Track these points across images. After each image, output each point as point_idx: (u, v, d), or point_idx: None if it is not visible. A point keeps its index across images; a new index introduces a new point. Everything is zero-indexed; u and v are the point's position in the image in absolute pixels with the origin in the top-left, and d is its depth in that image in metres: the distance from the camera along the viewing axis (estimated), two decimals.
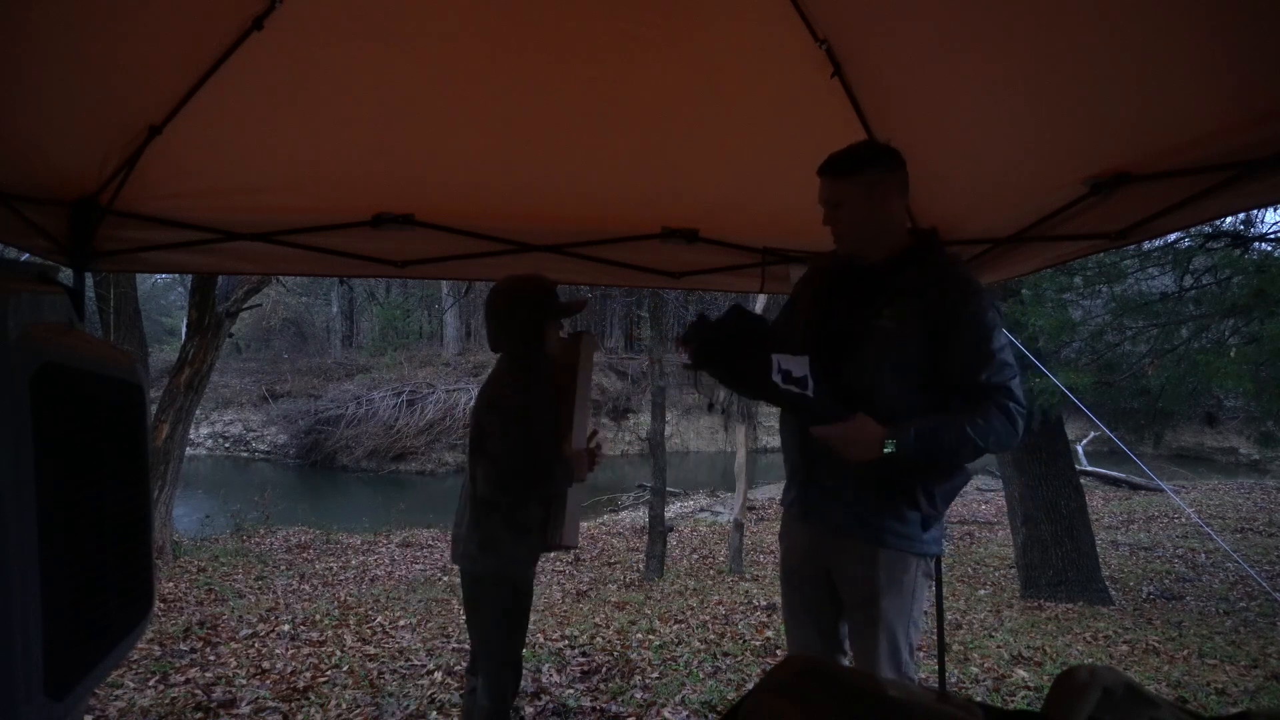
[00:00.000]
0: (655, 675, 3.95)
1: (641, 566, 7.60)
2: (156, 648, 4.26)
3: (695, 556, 8.53)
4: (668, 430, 11.13)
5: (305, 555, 8.31)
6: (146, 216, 2.60)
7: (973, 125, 2.27)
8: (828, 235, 2.48)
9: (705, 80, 2.31)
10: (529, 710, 3.44)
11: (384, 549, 8.82)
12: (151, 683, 3.70)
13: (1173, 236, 6.20)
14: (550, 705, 3.49)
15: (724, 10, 2.10)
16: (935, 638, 2.77)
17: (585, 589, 6.89)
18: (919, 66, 2.16)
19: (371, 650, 4.39)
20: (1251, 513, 10.08)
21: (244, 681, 3.77)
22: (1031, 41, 1.86)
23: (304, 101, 2.34)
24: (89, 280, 4.22)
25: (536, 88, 2.33)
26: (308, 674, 3.91)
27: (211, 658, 4.18)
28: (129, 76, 2.09)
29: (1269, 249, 6.64)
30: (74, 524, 1.13)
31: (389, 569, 7.83)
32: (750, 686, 1.67)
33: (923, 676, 2.97)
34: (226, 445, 19.31)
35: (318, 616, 5.12)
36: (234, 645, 4.44)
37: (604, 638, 4.69)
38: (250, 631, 4.73)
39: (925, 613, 2.04)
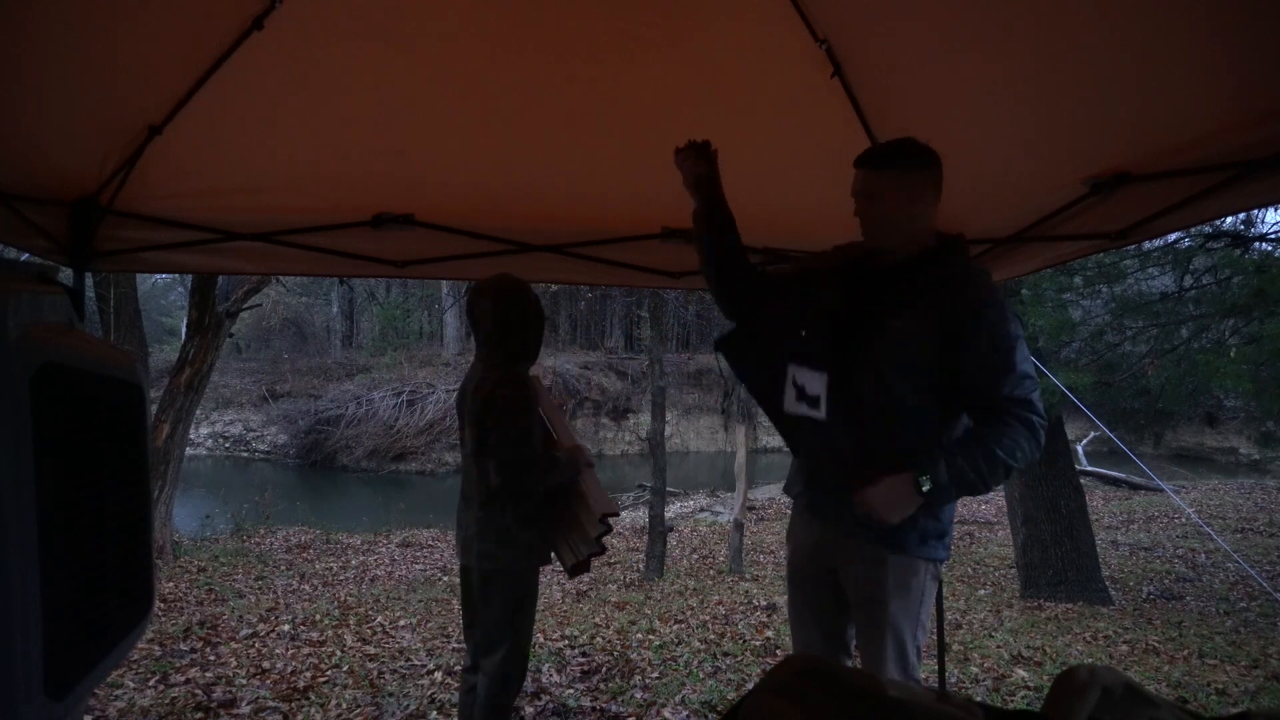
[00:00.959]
0: (655, 675, 3.95)
1: (641, 566, 7.60)
2: (156, 648, 4.26)
3: (695, 556, 8.53)
4: (668, 430, 11.13)
5: (305, 555, 8.31)
6: (146, 216, 2.60)
7: (973, 125, 2.27)
8: (828, 235, 2.47)
9: (705, 80, 2.31)
10: (529, 710, 3.44)
11: (384, 549, 8.82)
12: (151, 683, 3.70)
13: (1173, 236, 6.20)
14: (550, 705, 3.49)
15: (724, 10, 2.10)
16: (935, 638, 2.77)
17: (585, 589, 6.88)
18: (919, 66, 2.16)
19: (371, 650, 4.39)
20: (1252, 513, 10.07)
21: (244, 681, 3.77)
22: (1031, 41, 1.86)
23: (304, 101, 2.34)
24: (89, 280, 4.22)
25: (536, 88, 2.33)
26: (308, 674, 3.91)
27: (211, 658, 4.18)
28: (129, 76, 2.09)
29: (1269, 249, 6.65)
30: (74, 524, 1.13)
31: (389, 569, 7.84)
32: (750, 686, 1.67)
33: (923, 676, 2.96)
34: (226, 445, 19.31)
35: (318, 616, 5.12)
36: (234, 645, 4.44)
37: (604, 638, 4.69)
38: (250, 631, 4.73)
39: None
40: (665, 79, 2.31)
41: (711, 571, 7.56)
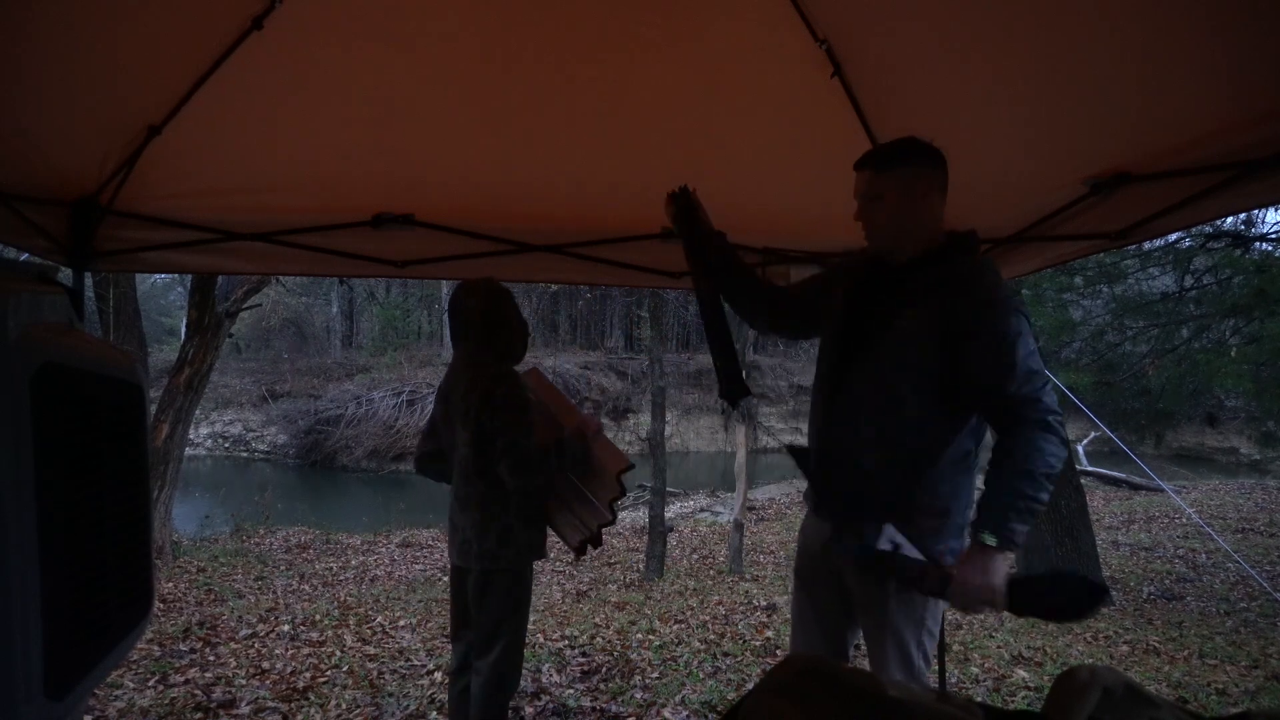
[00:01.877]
0: (655, 675, 3.95)
1: (641, 566, 7.60)
2: (156, 648, 4.26)
3: (695, 556, 8.52)
4: (668, 430, 11.13)
5: (305, 555, 8.31)
6: (146, 216, 2.60)
7: (973, 125, 2.26)
8: (828, 235, 2.48)
9: (705, 80, 2.31)
10: (529, 710, 3.44)
11: (384, 549, 8.82)
12: (151, 683, 3.70)
13: (1173, 236, 6.20)
14: (550, 705, 3.49)
15: (724, 10, 2.10)
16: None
17: (585, 589, 6.88)
18: (919, 66, 2.16)
19: (371, 650, 4.39)
20: (1252, 513, 10.07)
21: (244, 682, 3.77)
22: (1032, 41, 1.86)
23: (304, 101, 2.34)
24: (89, 280, 4.22)
25: (536, 88, 2.33)
26: (307, 674, 3.91)
27: (211, 658, 4.18)
28: (129, 76, 2.09)
29: (1269, 249, 6.65)
30: (74, 524, 1.13)
31: (389, 569, 7.83)
32: (750, 686, 1.67)
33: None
34: (226, 445, 19.31)
35: (318, 616, 5.12)
36: (234, 645, 4.44)
37: (604, 638, 4.69)
38: (250, 632, 4.72)
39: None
40: (665, 79, 2.31)
41: (711, 572, 7.55)
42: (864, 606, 1.90)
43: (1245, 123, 1.74)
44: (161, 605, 5.60)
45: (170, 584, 6.31)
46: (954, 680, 3.92)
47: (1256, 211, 6.41)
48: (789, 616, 2.11)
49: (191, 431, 9.58)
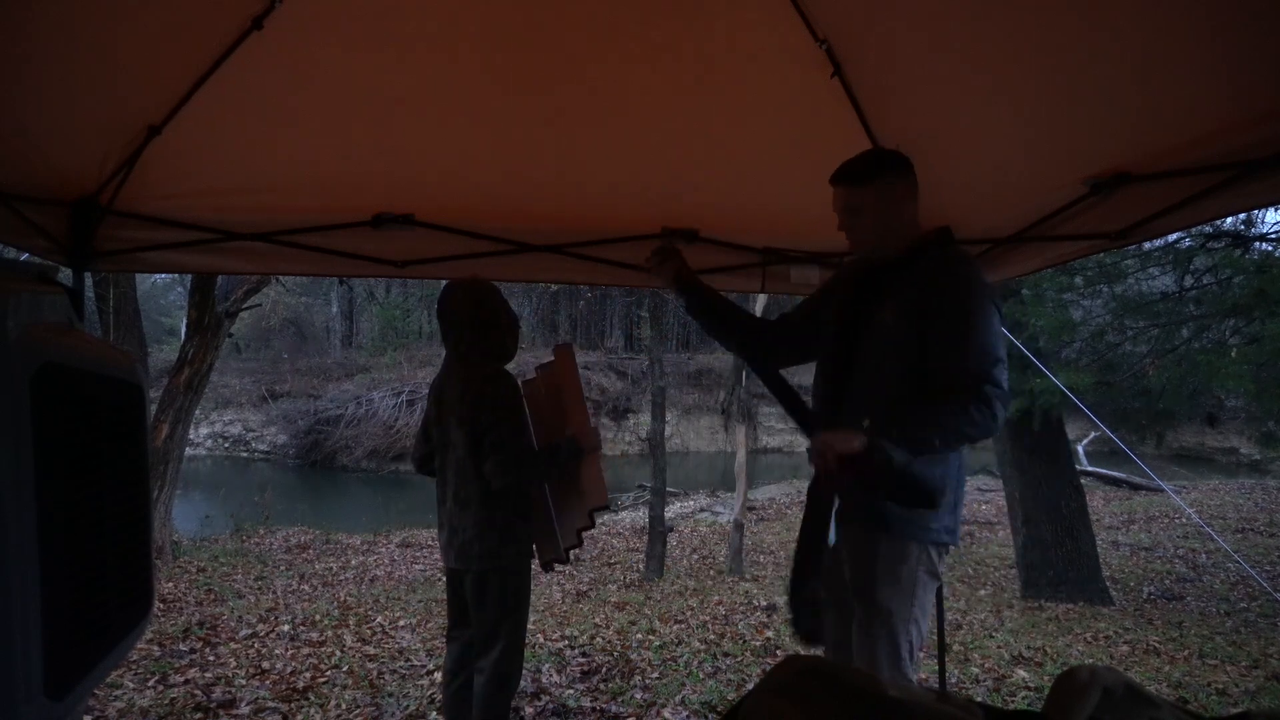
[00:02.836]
0: (655, 675, 3.95)
1: (641, 567, 7.60)
2: (156, 648, 4.26)
3: (695, 557, 8.52)
4: (668, 430, 11.13)
5: (305, 555, 8.31)
6: (146, 216, 2.60)
7: (973, 125, 2.27)
8: (828, 235, 2.47)
9: (705, 80, 2.31)
10: (529, 710, 3.44)
11: (384, 549, 8.82)
12: (151, 683, 3.70)
13: (1173, 236, 6.19)
14: (550, 705, 3.49)
15: (724, 10, 2.10)
16: (935, 638, 2.77)
17: (585, 589, 6.88)
18: (919, 66, 2.16)
19: (371, 650, 4.38)
20: (1252, 513, 10.07)
21: (244, 682, 3.77)
22: (1032, 41, 1.86)
23: (304, 101, 2.34)
24: (89, 280, 4.22)
25: (536, 88, 2.33)
26: (307, 674, 3.91)
27: (211, 658, 4.18)
28: (129, 76, 2.09)
29: (1269, 249, 6.64)
30: (74, 524, 1.13)
31: (389, 569, 7.83)
32: (750, 686, 1.67)
33: (922, 676, 2.96)
34: (226, 445, 19.32)
35: (317, 616, 5.12)
36: (234, 645, 4.44)
37: (604, 638, 4.69)
38: (250, 632, 4.72)
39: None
40: (665, 79, 2.31)
41: (711, 572, 7.55)
42: (855, 590, 1.94)
43: (1245, 123, 1.74)
44: (161, 605, 5.60)
45: (170, 584, 6.31)
46: (954, 680, 3.91)
47: (1256, 211, 6.40)
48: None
49: (191, 431, 9.58)
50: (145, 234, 2.65)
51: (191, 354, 7.04)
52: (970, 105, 2.19)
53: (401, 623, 5.04)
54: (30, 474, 1.02)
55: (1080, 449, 13.77)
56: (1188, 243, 6.39)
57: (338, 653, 4.31)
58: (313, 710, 3.42)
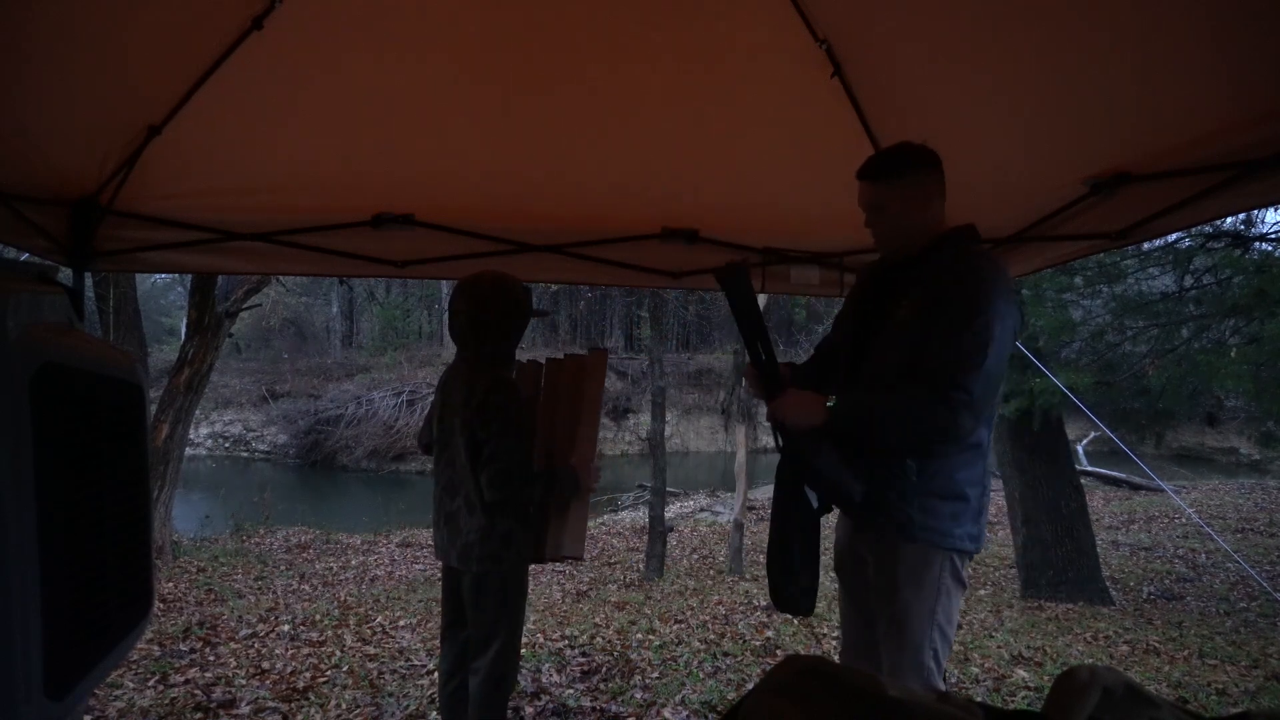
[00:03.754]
0: (655, 675, 3.95)
1: (641, 566, 7.60)
2: (156, 648, 4.26)
3: (695, 556, 8.52)
4: (668, 430, 11.13)
5: (305, 555, 8.31)
6: (146, 216, 2.60)
7: (973, 125, 2.27)
8: (828, 235, 2.48)
9: (705, 80, 2.31)
10: (529, 710, 3.43)
11: (384, 549, 8.81)
12: (151, 683, 3.70)
13: (1173, 236, 6.19)
14: (550, 705, 3.49)
15: (724, 10, 2.10)
16: None
17: (585, 589, 6.88)
18: (919, 67, 2.16)
19: (371, 650, 4.38)
20: (1252, 513, 10.07)
21: (244, 682, 3.77)
22: (1032, 41, 1.87)
23: (304, 101, 2.34)
24: (89, 280, 4.22)
25: (536, 88, 2.33)
26: (308, 674, 3.90)
27: (211, 658, 4.18)
28: (129, 76, 2.09)
29: (1269, 249, 6.64)
30: (74, 524, 1.13)
31: (389, 569, 7.83)
32: (750, 686, 1.67)
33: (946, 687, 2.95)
34: (226, 445, 19.32)
35: (318, 616, 5.12)
36: (234, 645, 4.44)
37: (604, 638, 4.69)
38: (250, 632, 4.72)
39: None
40: (665, 79, 2.31)
41: (711, 571, 7.55)
42: (876, 595, 1.91)
43: (1245, 123, 1.74)
44: (161, 605, 5.60)
45: (170, 584, 6.31)
46: (954, 680, 3.91)
47: (1256, 211, 6.40)
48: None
49: (191, 431, 9.58)
50: (145, 234, 2.65)
51: (191, 354, 7.03)
52: (970, 105, 2.19)
53: (401, 622, 5.04)
54: (30, 474, 1.02)
55: (1080, 449, 13.77)
56: (1188, 243, 6.39)
57: (338, 652, 4.31)
58: (313, 710, 3.41)
